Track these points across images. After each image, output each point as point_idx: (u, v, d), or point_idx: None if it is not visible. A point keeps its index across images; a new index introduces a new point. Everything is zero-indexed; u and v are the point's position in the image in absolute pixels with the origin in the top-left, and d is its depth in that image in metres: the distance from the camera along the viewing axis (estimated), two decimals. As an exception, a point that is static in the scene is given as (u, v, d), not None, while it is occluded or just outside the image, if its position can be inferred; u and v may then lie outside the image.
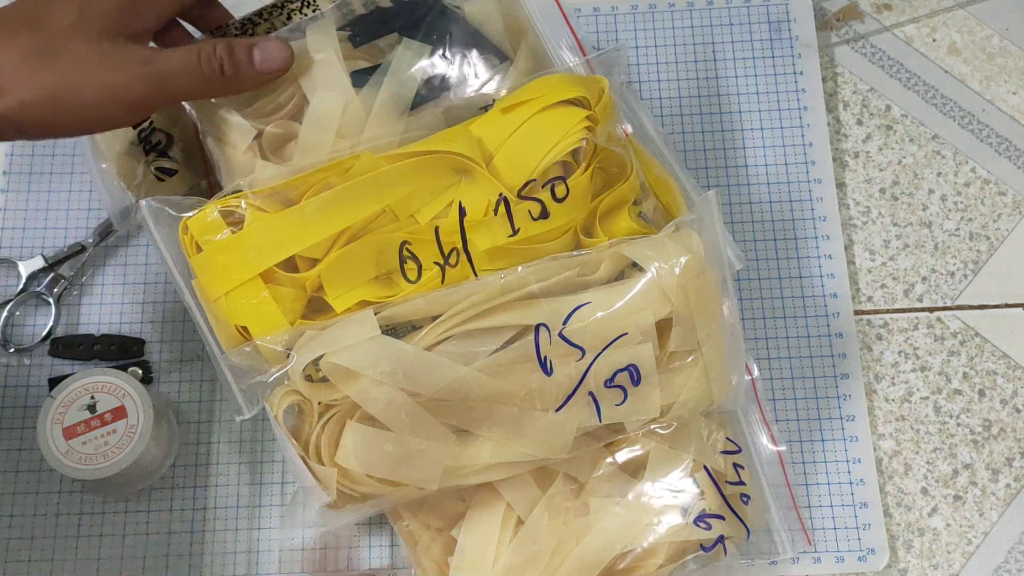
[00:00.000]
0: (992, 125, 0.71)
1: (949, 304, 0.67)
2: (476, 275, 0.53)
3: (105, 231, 0.67)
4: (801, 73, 0.71)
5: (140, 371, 0.64)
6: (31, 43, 0.48)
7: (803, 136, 0.70)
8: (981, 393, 0.65)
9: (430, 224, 0.53)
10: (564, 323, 0.51)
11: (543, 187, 0.53)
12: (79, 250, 0.66)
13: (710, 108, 0.71)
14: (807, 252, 0.67)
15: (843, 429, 0.64)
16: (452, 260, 0.53)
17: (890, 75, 0.72)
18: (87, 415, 0.59)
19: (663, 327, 0.52)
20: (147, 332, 0.66)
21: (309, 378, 0.52)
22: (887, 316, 0.67)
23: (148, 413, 0.59)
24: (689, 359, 0.53)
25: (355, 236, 0.53)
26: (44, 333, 0.65)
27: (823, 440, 0.64)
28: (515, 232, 0.53)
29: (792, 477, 0.62)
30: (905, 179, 0.70)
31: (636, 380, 0.52)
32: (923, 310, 0.67)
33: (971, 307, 0.67)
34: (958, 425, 0.64)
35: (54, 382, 0.64)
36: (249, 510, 0.62)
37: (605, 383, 0.52)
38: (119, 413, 0.59)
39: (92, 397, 0.59)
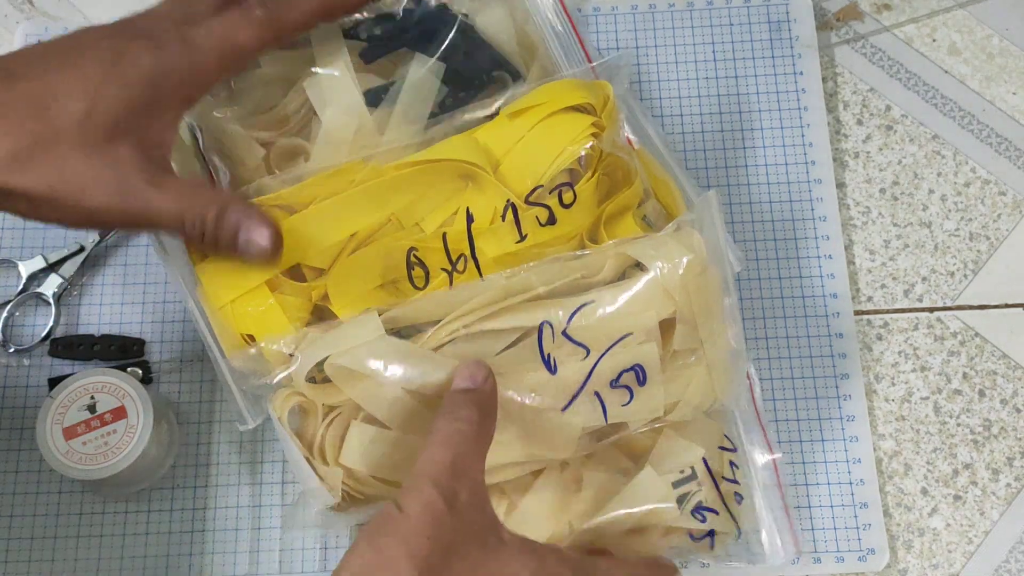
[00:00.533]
0: (992, 125, 0.71)
1: (949, 304, 0.67)
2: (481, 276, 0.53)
3: (106, 231, 0.67)
4: (801, 73, 0.71)
5: (140, 371, 0.64)
6: (23, 137, 0.45)
7: (803, 136, 0.70)
8: (981, 393, 0.65)
9: (437, 231, 0.53)
10: (568, 321, 0.51)
11: (550, 193, 0.53)
12: (79, 250, 0.66)
13: (710, 108, 0.71)
14: (807, 252, 0.67)
15: (843, 429, 0.64)
16: (460, 266, 0.53)
17: (890, 75, 0.72)
18: (87, 415, 0.59)
19: (666, 326, 0.52)
20: (147, 332, 0.66)
21: (313, 380, 0.52)
22: (887, 316, 0.67)
23: (148, 413, 0.59)
24: (692, 358, 0.53)
25: (362, 244, 0.53)
26: (44, 333, 0.65)
27: (823, 440, 0.64)
28: (523, 238, 0.53)
29: (789, 479, 0.62)
30: (905, 179, 0.70)
31: (642, 380, 0.52)
32: (923, 310, 0.67)
33: (971, 307, 0.67)
34: (958, 425, 0.64)
35: (54, 382, 0.64)
36: (249, 510, 0.62)
37: (611, 383, 0.51)
38: (119, 413, 0.59)
39: (92, 397, 0.59)
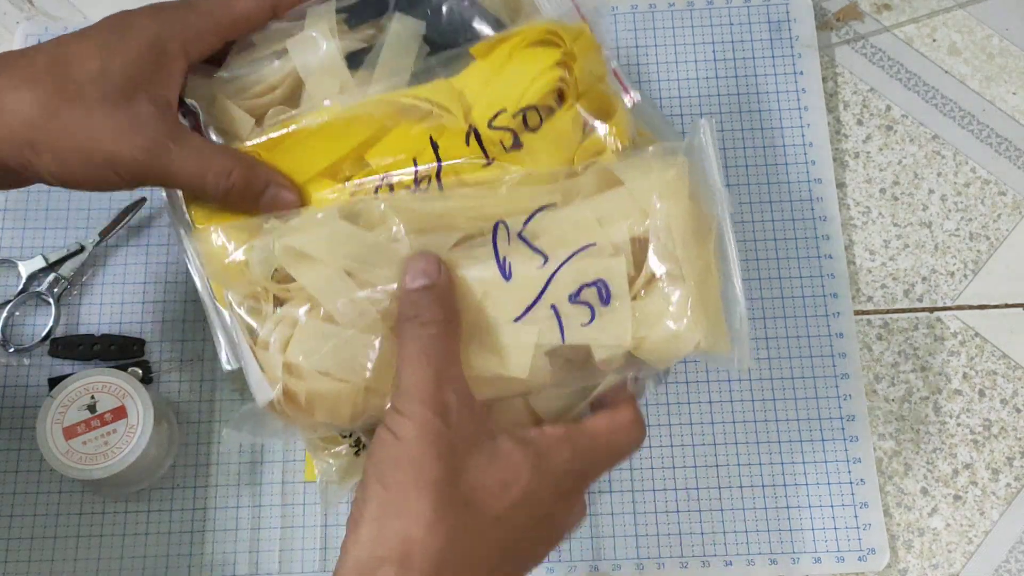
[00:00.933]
0: (992, 125, 0.71)
1: (949, 304, 0.67)
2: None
3: (105, 231, 0.67)
4: (801, 73, 0.71)
5: (140, 371, 0.64)
6: (47, 92, 0.47)
7: (803, 136, 0.70)
8: (981, 393, 0.65)
9: (406, 160, 0.51)
10: (525, 224, 0.48)
11: (514, 117, 0.51)
12: (79, 250, 0.66)
13: (710, 108, 0.71)
14: (807, 252, 0.67)
15: (843, 429, 0.64)
16: (424, 186, 0.51)
17: (890, 75, 0.72)
18: (87, 415, 0.59)
19: (641, 250, 0.48)
20: (147, 332, 0.66)
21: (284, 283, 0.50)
22: (887, 316, 0.67)
23: (148, 413, 0.59)
24: (671, 289, 0.48)
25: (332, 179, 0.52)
26: (44, 333, 0.65)
27: (823, 440, 0.64)
28: (489, 161, 0.51)
29: (790, 478, 0.62)
30: (905, 179, 0.70)
31: (605, 298, 0.48)
32: (923, 310, 0.67)
33: (971, 307, 0.67)
34: (958, 425, 0.64)
35: (54, 382, 0.64)
36: (249, 510, 0.62)
37: (570, 297, 0.48)
38: (119, 413, 0.59)
39: (92, 397, 0.59)
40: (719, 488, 0.63)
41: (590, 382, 0.51)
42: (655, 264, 0.48)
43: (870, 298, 0.67)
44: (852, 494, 0.62)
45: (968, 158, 0.70)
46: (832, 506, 0.62)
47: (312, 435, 0.54)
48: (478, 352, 0.48)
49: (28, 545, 0.61)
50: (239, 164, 0.51)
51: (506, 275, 0.48)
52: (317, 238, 0.48)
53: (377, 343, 0.47)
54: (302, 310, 0.48)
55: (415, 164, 0.51)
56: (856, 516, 0.62)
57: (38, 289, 0.66)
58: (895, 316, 0.67)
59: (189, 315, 0.66)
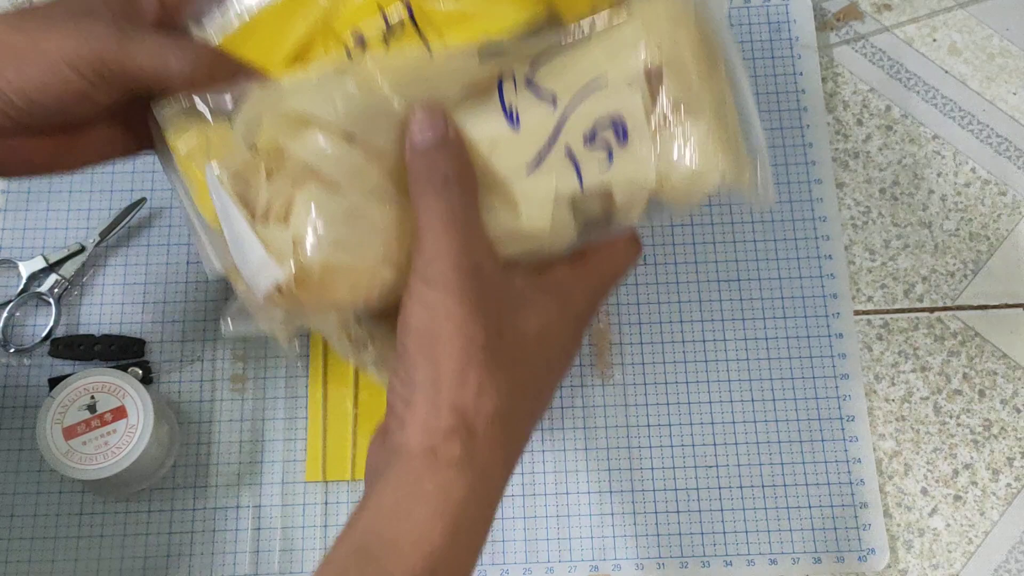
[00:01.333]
0: (992, 125, 0.71)
1: (949, 304, 0.67)
2: (428, 48, 0.47)
3: (105, 231, 0.67)
4: (801, 73, 0.71)
5: (140, 371, 0.64)
6: (15, 16, 0.47)
7: (803, 136, 0.70)
8: (981, 393, 0.65)
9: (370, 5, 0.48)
10: (530, 68, 0.45)
11: None
12: (79, 250, 0.66)
13: (710, 108, 0.71)
14: (807, 252, 0.67)
15: (843, 429, 0.64)
16: (398, 32, 0.47)
17: (890, 75, 0.72)
18: (87, 415, 0.59)
19: (655, 83, 0.46)
20: (147, 332, 0.66)
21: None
22: (887, 316, 0.67)
23: (148, 413, 0.59)
24: (688, 120, 0.45)
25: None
26: (44, 333, 0.65)
27: (823, 440, 0.64)
28: None
29: (790, 478, 0.62)
30: (905, 179, 0.70)
31: (623, 136, 0.45)
32: (923, 310, 0.67)
33: (971, 307, 0.67)
34: (958, 425, 0.64)
35: (54, 382, 0.64)
36: (249, 510, 0.62)
37: (585, 140, 0.45)
38: (119, 413, 0.59)
39: (92, 397, 0.59)
40: (719, 488, 0.63)
41: (611, 236, 0.48)
42: (671, 95, 0.45)
43: (870, 298, 0.67)
44: (852, 494, 0.62)
45: (968, 158, 0.70)
46: (832, 506, 0.62)
47: (317, 321, 0.48)
48: (493, 209, 0.45)
49: (28, 545, 0.61)
50: (204, 45, 0.49)
51: (514, 123, 0.45)
52: (321, 100, 0.44)
53: (389, 209, 0.44)
54: (306, 179, 0.44)
55: (382, 11, 0.47)
56: (856, 516, 0.62)
57: (38, 289, 0.66)
58: (895, 316, 0.67)
59: (189, 315, 0.66)
